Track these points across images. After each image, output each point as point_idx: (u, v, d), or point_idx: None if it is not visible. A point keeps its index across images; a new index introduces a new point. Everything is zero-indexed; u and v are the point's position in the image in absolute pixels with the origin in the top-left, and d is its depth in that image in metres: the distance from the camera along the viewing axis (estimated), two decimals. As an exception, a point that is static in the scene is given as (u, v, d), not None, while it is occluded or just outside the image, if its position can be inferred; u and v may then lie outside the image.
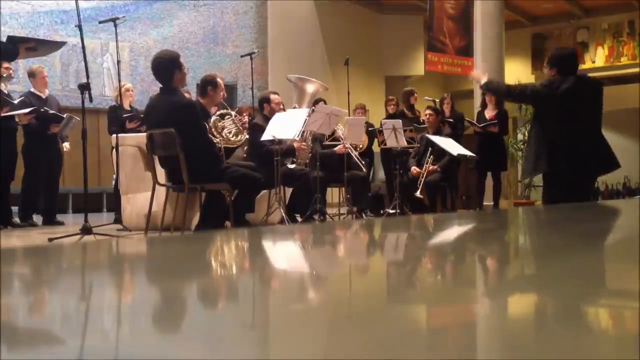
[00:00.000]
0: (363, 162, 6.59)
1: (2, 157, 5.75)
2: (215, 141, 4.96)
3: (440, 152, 6.56)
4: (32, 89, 6.47)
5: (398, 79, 13.54)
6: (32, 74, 6.47)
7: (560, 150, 4.30)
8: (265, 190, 5.65)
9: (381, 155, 8.09)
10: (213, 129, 5.11)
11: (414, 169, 6.72)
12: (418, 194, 6.46)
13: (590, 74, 13.84)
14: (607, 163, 4.50)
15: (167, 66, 4.47)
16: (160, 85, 4.58)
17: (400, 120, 6.76)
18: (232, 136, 5.27)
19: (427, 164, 6.63)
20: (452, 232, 2.04)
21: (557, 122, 4.33)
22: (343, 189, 6.87)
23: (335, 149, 6.47)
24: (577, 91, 4.36)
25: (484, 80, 4.82)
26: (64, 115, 6.41)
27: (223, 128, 5.22)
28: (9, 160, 5.96)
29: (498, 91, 5.17)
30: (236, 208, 4.58)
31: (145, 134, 4.64)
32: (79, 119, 6.65)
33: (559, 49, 5.22)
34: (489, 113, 7.66)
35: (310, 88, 6.89)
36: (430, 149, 6.71)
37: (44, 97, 6.44)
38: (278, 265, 1.26)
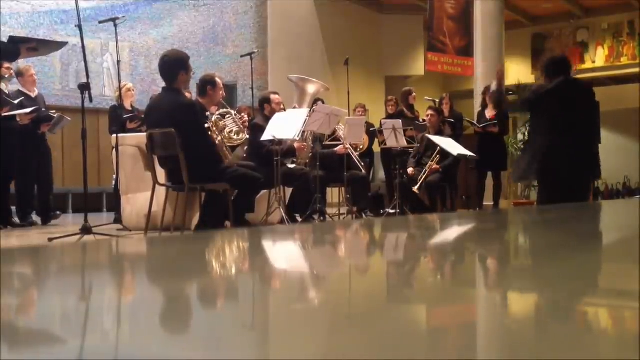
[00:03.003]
0: (362, 163, 6.59)
1: (2, 157, 5.74)
2: (217, 140, 4.96)
3: (444, 153, 6.56)
4: (21, 88, 6.37)
5: (398, 79, 13.53)
6: (19, 74, 6.37)
7: (549, 157, 4.28)
8: (265, 190, 5.65)
9: (381, 155, 8.08)
10: (214, 128, 5.11)
11: (411, 170, 6.73)
12: (416, 189, 6.46)
13: (590, 74, 13.88)
14: (593, 171, 4.51)
15: (172, 66, 4.47)
16: (163, 85, 4.58)
17: (400, 120, 6.76)
18: (234, 135, 5.27)
19: (431, 160, 6.63)
20: (451, 232, 2.04)
21: (546, 126, 4.32)
22: (343, 189, 6.87)
23: (336, 149, 6.46)
24: (562, 91, 4.34)
25: (494, 87, 4.99)
26: (55, 115, 6.40)
27: (224, 127, 5.22)
28: (9, 160, 5.94)
29: (496, 103, 5.40)
30: (236, 208, 4.58)
31: (145, 134, 4.64)
32: (70, 118, 6.65)
33: (552, 56, 5.18)
34: (489, 113, 7.66)
35: (312, 88, 6.88)
36: (431, 151, 6.72)
37: (33, 96, 6.37)
38: (278, 266, 1.26)
